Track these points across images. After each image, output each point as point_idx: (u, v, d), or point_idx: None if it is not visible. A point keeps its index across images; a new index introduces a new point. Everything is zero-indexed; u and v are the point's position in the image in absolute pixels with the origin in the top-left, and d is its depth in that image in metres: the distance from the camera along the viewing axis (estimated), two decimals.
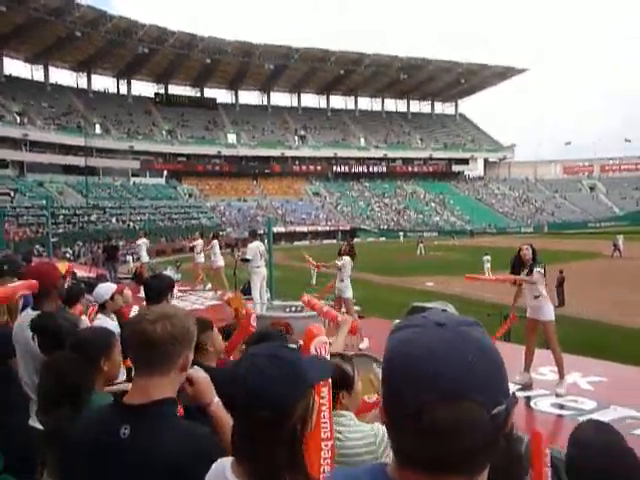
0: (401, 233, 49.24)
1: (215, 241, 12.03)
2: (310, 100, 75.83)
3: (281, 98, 74.32)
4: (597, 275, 20.38)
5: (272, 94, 72.78)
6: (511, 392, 0.66)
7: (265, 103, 72.66)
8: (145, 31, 52.25)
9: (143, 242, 13.63)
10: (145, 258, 13.54)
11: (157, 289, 3.11)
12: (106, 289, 3.71)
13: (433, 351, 0.61)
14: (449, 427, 0.59)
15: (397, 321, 0.74)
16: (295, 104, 74.56)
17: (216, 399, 1.53)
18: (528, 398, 4.84)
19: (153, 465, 1.21)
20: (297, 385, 1.06)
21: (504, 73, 71.54)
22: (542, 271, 5.21)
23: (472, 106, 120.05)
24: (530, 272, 5.21)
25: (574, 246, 32.56)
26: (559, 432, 4.32)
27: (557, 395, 4.83)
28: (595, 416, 4.32)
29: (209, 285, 11.96)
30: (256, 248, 8.79)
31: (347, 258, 7.44)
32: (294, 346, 3.58)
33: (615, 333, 10.60)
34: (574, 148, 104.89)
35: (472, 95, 79.23)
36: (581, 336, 8.89)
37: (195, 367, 1.55)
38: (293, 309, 7.45)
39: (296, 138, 68.88)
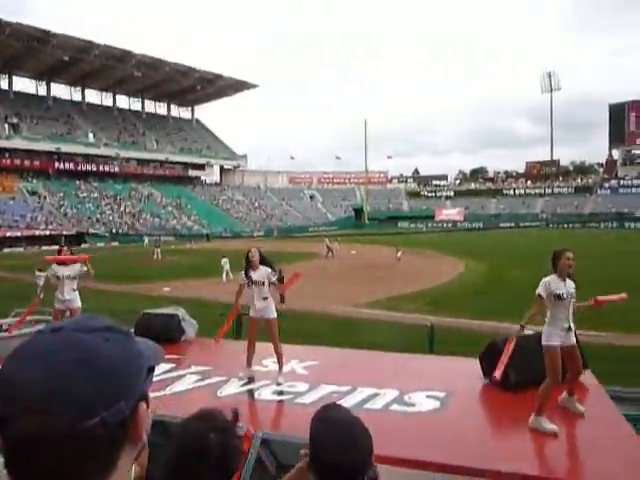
0: (145, 237, 46.77)
1: None
2: (25, 85, 65.54)
3: None
4: (314, 273, 23.33)
5: None
6: (122, 403, 0.61)
7: None
8: None
9: None
10: None
11: None
12: None
13: (22, 359, 0.59)
14: (32, 442, 0.56)
15: None
16: (5, 87, 63.33)
17: None
18: (253, 390, 5.24)
19: None
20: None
21: (238, 86, 75.44)
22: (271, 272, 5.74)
23: (209, 113, 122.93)
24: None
25: (298, 248, 36.55)
26: (278, 416, 4.81)
27: (278, 384, 5.36)
28: (306, 396, 4.97)
29: None
30: None
31: (77, 266, 6.81)
32: None
33: (325, 321, 12.35)
34: (297, 161, 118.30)
35: (208, 102, 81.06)
36: (299, 327, 10.03)
37: None
38: None
39: (7, 127, 58.46)
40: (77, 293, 6.64)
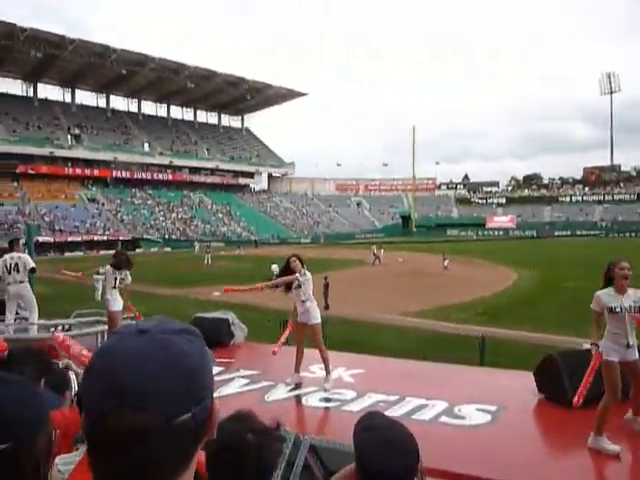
0: (196, 243, 48.09)
1: None
2: (87, 98, 69.12)
3: (51, 91, 65.99)
4: (361, 280, 23.22)
5: (40, 86, 64.11)
6: (209, 400, 0.66)
7: (31, 95, 63.56)
8: None
9: None
10: None
11: None
12: None
13: (116, 359, 0.62)
14: (129, 437, 0.59)
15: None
16: (69, 100, 67.01)
17: None
18: (300, 396, 5.27)
19: None
20: (38, 413, 0.88)
21: (287, 95, 76.58)
22: (309, 277, 5.78)
23: (258, 122, 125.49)
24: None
25: (344, 255, 36.54)
26: (326, 422, 4.81)
27: (325, 390, 5.36)
28: (353, 404, 4.95)
29: None
30: (1, 262, 7.40)
31: (126, 271, 7.08)
32: (61, 365, 3.24)
33: (371, 329, 12.25)
34: (344, 168, 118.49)
35: (257, 111, 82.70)
36: (344, 334, 10.00)
37: None
38: (59, 328, 6.69)
39: (69, 137, 61.82)
40: (115, 296, 6.95)
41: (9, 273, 7.25)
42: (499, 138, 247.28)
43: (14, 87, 62.73)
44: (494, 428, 4.29)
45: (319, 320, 5.68)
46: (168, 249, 50.63)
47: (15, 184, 54.68)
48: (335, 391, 5.34)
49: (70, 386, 2.47)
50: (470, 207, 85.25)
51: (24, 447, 0.83)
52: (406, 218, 78.57)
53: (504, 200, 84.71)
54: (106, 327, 6.94)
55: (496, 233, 71.02)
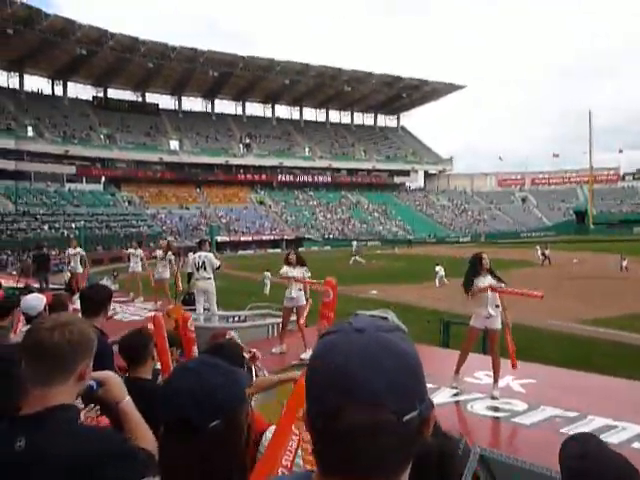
0: (354, 242, 49.35)
1: (160, 251, 11.67)
2: (255, 109, 75.67)
3: (226, 106, 73.73)
4: (528, 282, 21.47)
5: (216, 102, 72.00)
6: (428, 398, 0.66)
7: (209, 110, 71.73)
8: (83, 32, 50.26)
9: (77, 252, 13.09)
10: (79, 269, 13.00)
11: (95, 300, 2.93)
12: (37, 300, 3.52)
13: (349, 356, 0.63)
14: (362, 431, 0.60)
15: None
16: (240, 112, 74.06)
17: (127, 398, 1.55)
18: (464, 402, 5.03)
19: (50, 472, 1.18)
20: (240, 391, 1.06)
21: (444, 89, 74.47)
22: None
23: (413, 119, 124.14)
24: (499, 279, 5.41)
25: (508, 255, 34.17)
26: (494, 433, 4.52)
27: (492, 398, 5.04)
28: (525, 416, 4.56)
29: (141, 298, 11.65)
30: (191, 260, 8.53)
31: (303, 268, 7.41)
32: (246, 355, 3.56)
33: (542, 336, 11.19)
34: (506, 162, 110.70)
35: (413, 109, 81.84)
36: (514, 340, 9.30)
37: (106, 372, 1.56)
38: (236, 319, 7.37)
39: (241, 146, 68.35)
40: (302, 293, 7.25)
41: (197, 270, 8.30)
42: None
43: (196, 105, 71.51)
44: None
45: (500, 327, 5.34)
46: (328, 248, 52.84)
47: (198, 190, 62.26)
48: (503, 400, 4.99)
49: (252, 374, 2.72)
50: None
51: (231, 422, 1.01)
52: (581, 214, 70.23)
53: None
54: (277, 320, 7.46)
55: None
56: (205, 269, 8.27)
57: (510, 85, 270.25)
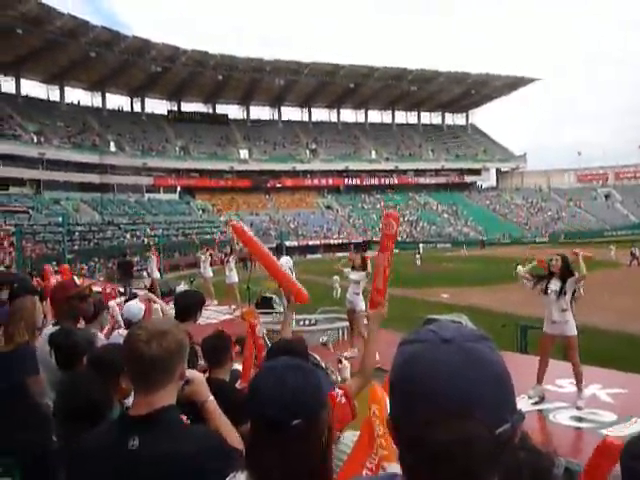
0: (420, 245, 48.44)
1: (232, 256, 12.06)
2: (320, 114, 76.29)
3: (292, 113, 74.97)
4: (616, 284, 20.04)
5: (283, 109, 73.42)
6: (519, 408, 0.66)
7: (276, 118, 73.31)
8: (158, 50, 53.23)
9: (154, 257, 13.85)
10: (156, 274, 13.69)
11: (187, 306, 3.04)
12: (138, 308, 3.74)
13: (437, 369, 0.61)
14: (453, 444, 0.59)
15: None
16: (306, 118, 75.05)
17: (211, 397, 1.66)
18: (546, 411, 4.77)
19: (160, 469, 1.26)
20: (321, 393, 1.09)
21: (515, 83, 71.42)
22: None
23: (483, 116, 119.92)
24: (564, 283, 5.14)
25: (592, 254, 32.07)
26: (578, 445, 4.24)
27: (577, 408, 4.75)
28: (615, 428, 4.24)
29: (234, 306, 11.65)
30: (285, 264, 8.66)
31: (363, 273, 7.42)
32: (316, 357, 3.59)
33: (633, 343, 10.38)
34: (585, 156, 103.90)
35: (482, 105, 79.12)
36: (600, 347, 8.71)
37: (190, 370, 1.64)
38: (306, 322, 7.45)
39: (307, 152, 69.27)
40: (361, 297, 7.24)
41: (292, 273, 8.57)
42: None
43: (263, 113, 73.38)
44: None
45: (576, 332, 5.03)
46: (396, 251, 52.09)
47: (267, 196, 63.78)
48: (589, 410, 4.68)
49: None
50: None
51: (312, 422, 1.03)
52: None
53: None
54: (346, 324, 7.46)
55: None
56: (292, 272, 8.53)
57: (589, 73, 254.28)
